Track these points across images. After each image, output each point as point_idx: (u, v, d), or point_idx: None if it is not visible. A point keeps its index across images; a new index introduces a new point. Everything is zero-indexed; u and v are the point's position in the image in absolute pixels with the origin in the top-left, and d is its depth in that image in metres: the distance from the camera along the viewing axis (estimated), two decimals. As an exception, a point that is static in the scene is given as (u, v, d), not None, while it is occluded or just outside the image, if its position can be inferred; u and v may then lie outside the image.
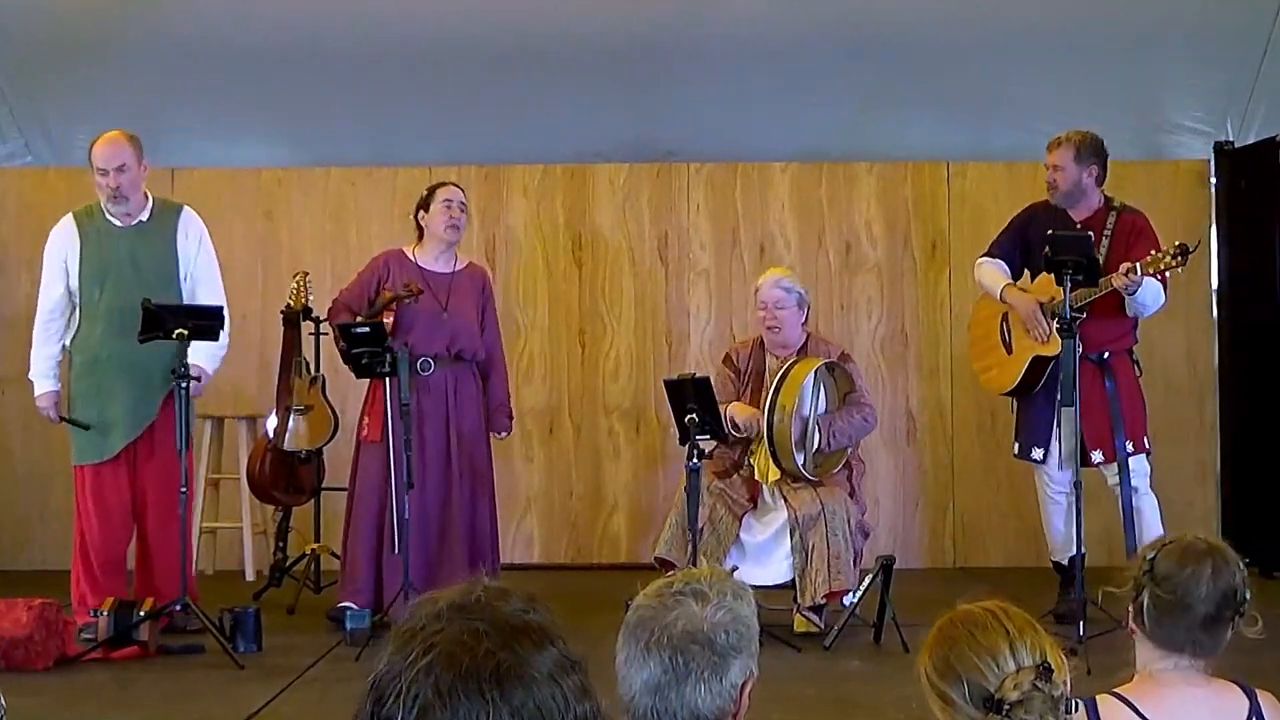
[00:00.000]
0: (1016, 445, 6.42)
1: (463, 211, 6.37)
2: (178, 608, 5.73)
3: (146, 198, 6.06)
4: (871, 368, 7.95)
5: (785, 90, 7.96)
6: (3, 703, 2.09)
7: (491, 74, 7.86)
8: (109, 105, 8.08)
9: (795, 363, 6.13)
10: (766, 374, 6.28)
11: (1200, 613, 2.57)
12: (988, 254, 6.48)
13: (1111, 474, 6.20)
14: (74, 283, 6.00)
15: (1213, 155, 8.00)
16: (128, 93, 7.94)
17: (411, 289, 6.15)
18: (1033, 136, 8.10)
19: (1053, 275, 5.98)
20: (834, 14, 7.61)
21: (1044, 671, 2.07)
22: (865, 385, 6.42)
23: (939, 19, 7.61)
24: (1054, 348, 6.11)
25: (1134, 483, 6.16)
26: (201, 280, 6.06)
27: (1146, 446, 6.26)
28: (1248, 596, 2.65)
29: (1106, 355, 6.20)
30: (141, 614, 5.66)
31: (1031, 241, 6.22)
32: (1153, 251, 5.91)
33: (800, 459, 6.05)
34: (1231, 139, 7.98)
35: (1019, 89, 7.94)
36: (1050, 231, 6.04)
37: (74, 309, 6.04)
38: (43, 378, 6.09)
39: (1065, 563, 6.27)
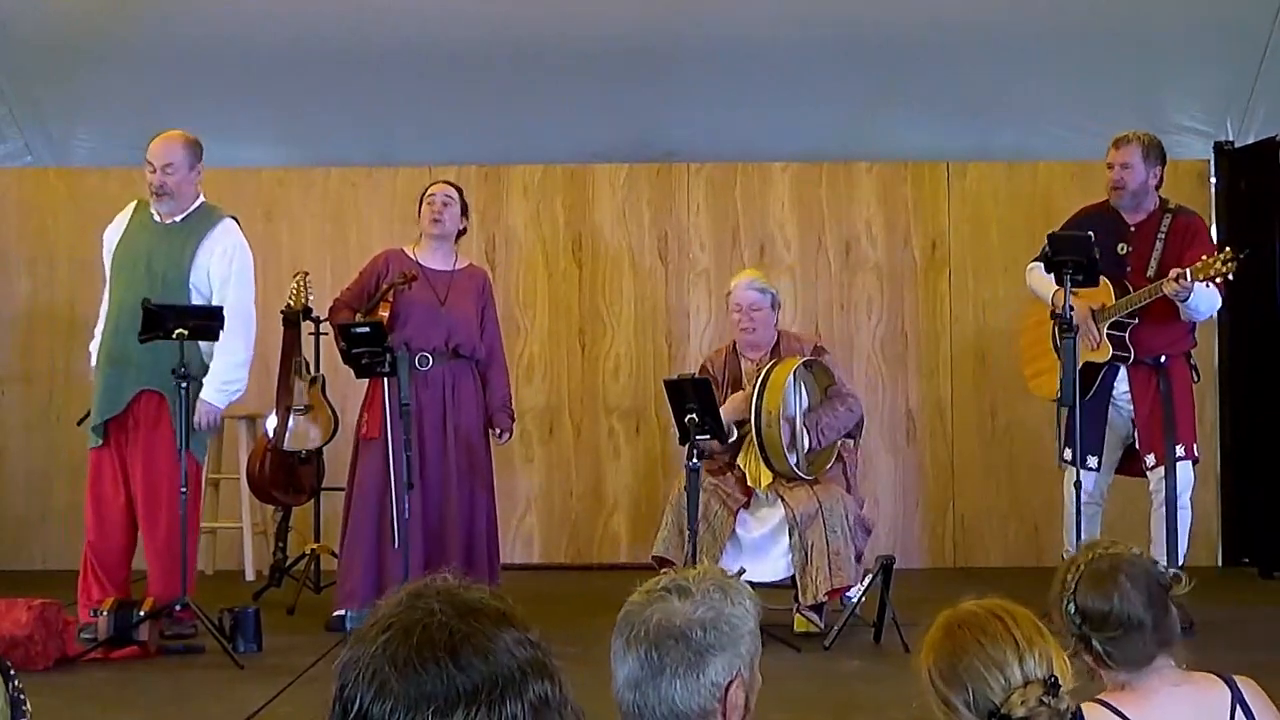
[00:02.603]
0: (1068, 453, 6.17)
1: (445, 206, 6.33)
2: (178, 608, 5.73)
3: (193, 201, 6.03)
4: (871, 368, 7.96)
5: (785, 90, 7.96)
6: (28, 706, 2.09)
7: (491, 75, 7.87)
8: (109, 106, 8.10)
9: (774, 365, 6.13)
10: (743, 379, 6.30)
11: (1149, 620, 2.55)
12: (1039, 259, 6.30)
13: (1157, 478, 6.13)
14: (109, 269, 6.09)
15: (1213, 155, 8.00)
16: (128, 93, 7.95)
17: (406, 275, 6.17)
18: (1033, 137, 8.14)
19: (1105, 280, 6.01)
20: (834, 14, 7.60)
21: (1051, 686, 2.07)
22: (843, 376, 6.42)
23: (939, 19, 7.61)
24: (1104, 354, 6.10)
25: (1159, 494, 6.09)
26: (226, 301, 5.92)
27: (1196, 454, 6.19)
28: (1165, 570, 2.63)
29: (1163, 359, 6.15)
30: (141, 614, 5.66)
31: None
32: (1204, 257, 5.83)
33: (793, 460, 6.05)
34: (1232, 139, 7.98)
35: (1019, 89, 7.94)
36: (1050, 232, 6.04)
37: None
38: (92, 354, 6.14)
39: None
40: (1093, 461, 6.19)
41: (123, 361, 5.85)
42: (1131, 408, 6.20)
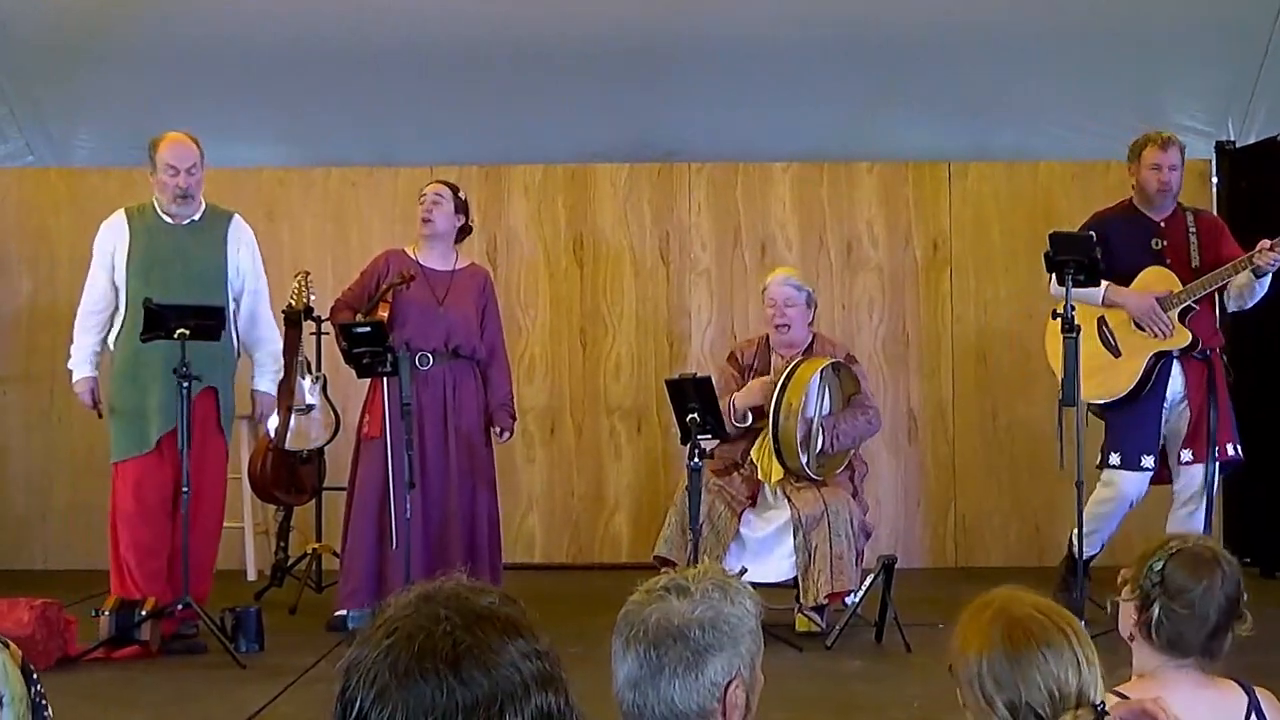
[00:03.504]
0: (1117, 456, 6.11)
1: (435, 205, 6.33)
2: (179, 607, 5.72)
3: (201, 203, 6.11)
4: (873, 368, 7.95)
5: (786, 90, 7.96)
6: (49, 712, 2.10)
7: (492, 74, 7.86)
8: (110, 106, 8.10)
9: (801, 362, 6.14)
10: (771, 373, 6.29)
11: (1213, 622, 2.59)
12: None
13: (1187, 476, 6.12)
14: (120, 277, 6.01)
15: (1214, 155, 8.00)
16: (129, 93, 7.95)
17: (404, 275, 6.17)
18: (1033, 137, 8.14)
19: (1162, 269, 6.08)
20: (834, 14, 7.60)
21: (1100, 715, 2.08)
22: (869, 389, 6.43)
23: (940, 19, 7.60)
24: (1185, 338, 6.08)
25: (1187, 491, 6.10)
26: (260, 293, 6.20)
27: (1230, 454, 6.18)
28: (1246, 598, 2.66)
29: (1208, 353, 6.18)
30: (143, 613, 5.66)
31: (1115, 246, 6.09)
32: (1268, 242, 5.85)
33: (804, 458, 6.05)
34: (1233, 139, 7.98)
35: (1020, 89, 7.94)
36: (1051, 231, 6.03)
37: (118, 304, 6.02)
38: (81, 364, 6.08)
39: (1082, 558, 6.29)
40: (1148, 461, 6.13)
41: (172, 365, 5.75)
42: (1183, 406, 6.17)
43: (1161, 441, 6.22)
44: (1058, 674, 2.10)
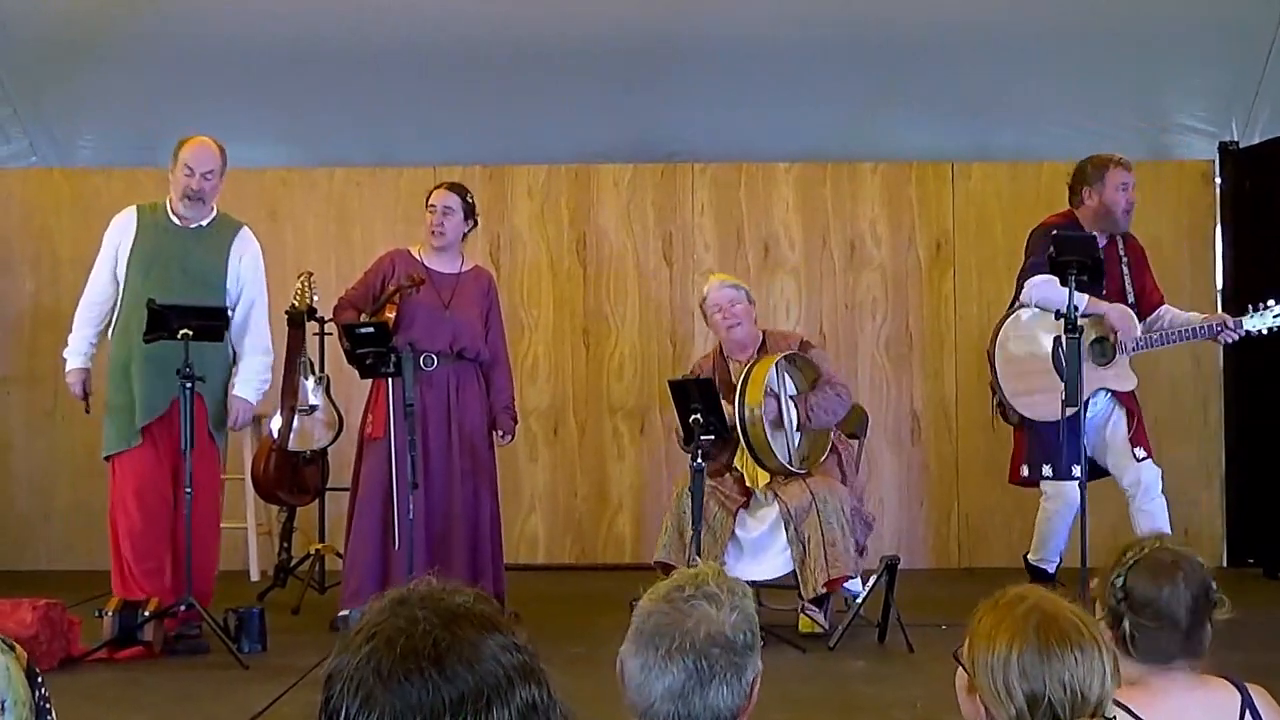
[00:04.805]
0: (1049, 468, 6.19)
1: (445, 216, 6.33)
2: (183, 608, 5.72)
3: (212, 209, 6.14)
4: (876, 368, 7.96)
5: (789, 90, 7.96)
6: (53, 715, 2.09)
7: (495, 75, 7.87)
8: (113, 106, 8.11)
9: (754, 364, 6.13)
10: (733, 381, 6.29)
11: (1186, 624, 2.57)
12: (1039, 274, 6.14)
13: (1134, 473, 6.23)
14: (121, 271, 6.03)
15: (1217, 155, 7.99)
16: (132, 93, 7.96)
17: (414, 278, 6.18)
18: (1037, 137, 8.13)
19: (1127, 309, 6.14)
20: (834, 14, 7.60)
21: None
22: (832, 369, 6.40)
23: (942, 19, 7.61)
24: (1130, 384, 6.22)
25: (1154, 485, 6.23)
26: (257, 303, 6.17)
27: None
28: (1216, 586, 2.64)
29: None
30: (146, 614, 5.66)
31: None
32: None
33: (782, 447, 6.03)
34: (1236, 139, 7.97)
35: (1023, 89, 7.94)
36: (1055, 232, 6.03)
37: (116, 298, 6.04)
38: (75, 354, 6.11)
39: (1050, 569, 6.41)
40: (1077, 471, 6.18)
41: (163, 361, 5.77)
42: (1112, 418, 6.28)
43: (1089, 451, 6.27)
44: (1085, 678, 2.10)
